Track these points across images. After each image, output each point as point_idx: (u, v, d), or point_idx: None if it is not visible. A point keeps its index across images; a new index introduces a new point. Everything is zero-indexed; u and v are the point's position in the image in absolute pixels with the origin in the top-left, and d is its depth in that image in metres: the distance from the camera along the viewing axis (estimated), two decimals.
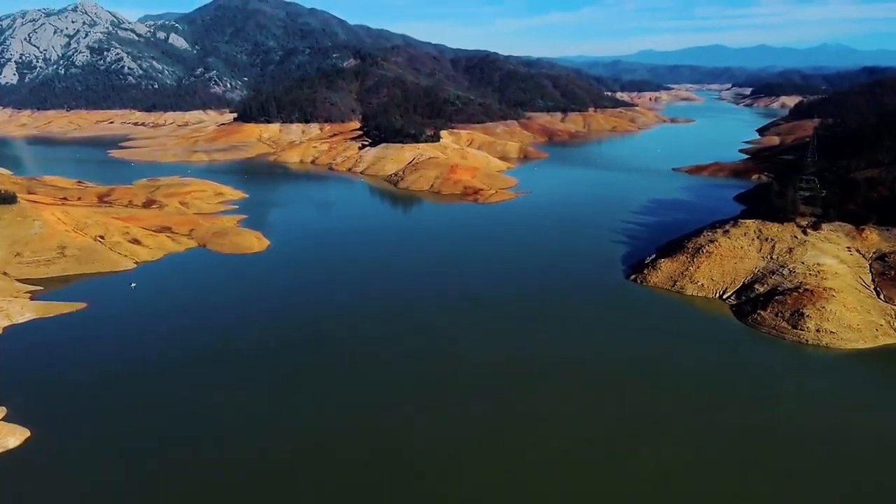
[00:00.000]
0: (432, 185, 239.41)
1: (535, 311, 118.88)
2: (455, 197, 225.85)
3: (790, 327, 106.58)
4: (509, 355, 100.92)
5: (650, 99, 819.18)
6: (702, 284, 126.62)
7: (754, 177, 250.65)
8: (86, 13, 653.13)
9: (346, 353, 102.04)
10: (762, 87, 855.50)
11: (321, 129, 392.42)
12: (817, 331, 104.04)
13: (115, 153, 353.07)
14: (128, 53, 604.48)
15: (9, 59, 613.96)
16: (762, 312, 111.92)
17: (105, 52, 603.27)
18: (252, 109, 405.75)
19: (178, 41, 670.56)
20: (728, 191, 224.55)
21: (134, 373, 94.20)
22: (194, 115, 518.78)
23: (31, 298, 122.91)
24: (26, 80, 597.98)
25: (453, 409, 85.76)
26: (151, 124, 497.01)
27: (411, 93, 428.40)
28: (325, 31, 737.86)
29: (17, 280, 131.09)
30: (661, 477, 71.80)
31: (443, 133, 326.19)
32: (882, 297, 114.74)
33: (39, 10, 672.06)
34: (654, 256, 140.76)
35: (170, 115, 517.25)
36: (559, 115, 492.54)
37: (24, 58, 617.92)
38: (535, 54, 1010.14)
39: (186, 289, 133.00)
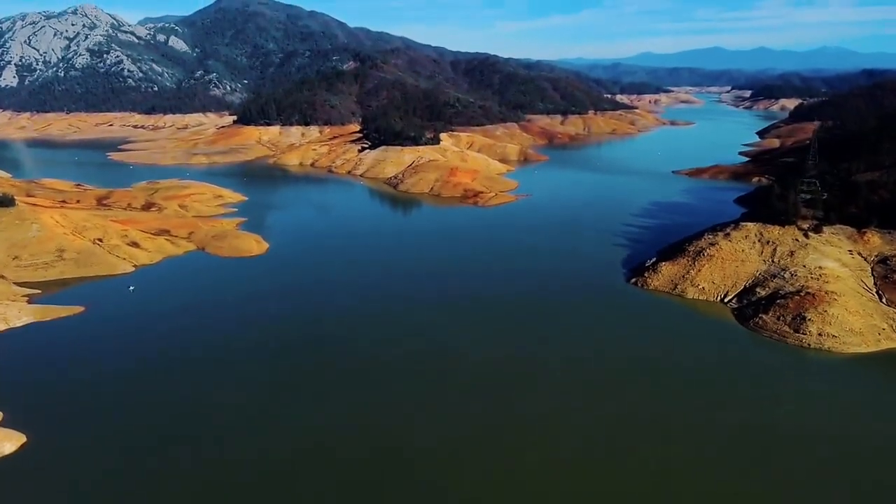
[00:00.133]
0: (432, 188, 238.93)
1: (535, 313, 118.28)
2: (455, 199, 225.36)
3: (792, 331, 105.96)
4: (509, 356, 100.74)
5: (650, 101, 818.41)
6: (703, 288, 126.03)
7: (755, 179, 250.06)
8: (86, 16, 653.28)
9: (346, 353, 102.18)
10: (762, 89, 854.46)
11: (321, 131, 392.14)
12: (819, 335, 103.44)
13: (114, 156, 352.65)
14: (127, 56, 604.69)
15: (9, 62, 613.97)
16: (764, 316, 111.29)
17: (105, 55, 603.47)
18: (252, 112, 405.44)
19: (177, 44, 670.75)
20: (728, 193, 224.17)
21: (132, 376, 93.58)
22: (194, 118, 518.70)
23: (29, 302, 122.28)
24: (26, 82, 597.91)
25: (453, 409, 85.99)
26: (151, 127, 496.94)
27: (411, 95, 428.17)
28: (324, 34, 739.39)
29: (14, 283, 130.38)
30: (661, 476, 71.75)
31: (443, 136, 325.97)
32: (884, 300, 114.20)
33: (39, 12, 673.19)
34: (654, 259, 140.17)
35: (169, 118, 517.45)
36: (559, 117, 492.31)
37: (23, 60, 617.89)
38: (534, 57, 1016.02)
39: (185, 292, 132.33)
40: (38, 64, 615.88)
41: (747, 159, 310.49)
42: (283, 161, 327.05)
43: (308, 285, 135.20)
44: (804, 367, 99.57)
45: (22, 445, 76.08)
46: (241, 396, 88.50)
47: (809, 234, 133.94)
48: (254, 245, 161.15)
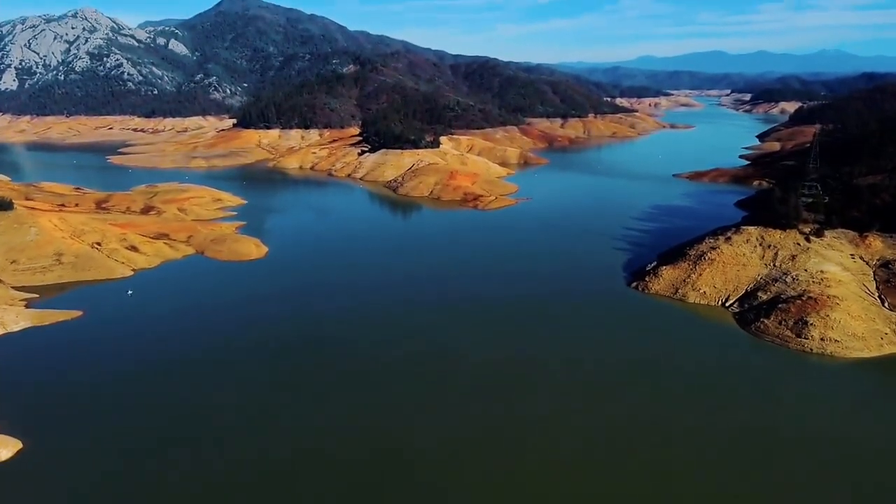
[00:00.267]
0: (432, 192, 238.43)
1: (535, 316, 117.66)
2: (455, 203, 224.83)
3: (794, 336, 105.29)
4: (509, 359, 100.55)
5: (650, 105, 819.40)
6: (704, 292, 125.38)
7: (755, 183, 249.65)
8: (86, 19, 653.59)
9: (346, 355, 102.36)
10: (762, 92, 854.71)
11: (320, 134, 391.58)
12: (821, 339, 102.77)
13: (113, 159, 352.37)
14: (127, 59, 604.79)
15: (9, 65, 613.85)
16: (765, 321, 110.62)
17: (105, 58, 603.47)
18: (251, 115, 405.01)
19: (177, 47, 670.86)
20: (729, 197, 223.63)
21: (130, 380, 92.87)
22: (193, 121, 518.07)
23: (27, 306, 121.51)
24: (26, 85, 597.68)
25: (453, 410, 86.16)
26: (151, 130, 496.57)
27: (411, 99, 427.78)
28: (324, 37, 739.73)
29: (12, 288, 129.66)
30: (662, 478, 71.70)
31: (442, 139, 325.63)
32: (887, 305, 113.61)
33: (39, 16, 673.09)
34: (655, 263, 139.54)
35: (169, 121, 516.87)
36: (559, 120, 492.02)
37: (23, 64, 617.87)
38: (534, 60, 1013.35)
39: (183, 296, 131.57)
40: (38, 67, 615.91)
41: (747, 163, 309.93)
42: (283, 164, 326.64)
43: (307, 288, 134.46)
44: (806, 371, 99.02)
45: (18, 452, 75.26)
46: (241, 399, 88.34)
47: (811, 237, 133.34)
48: (253, 249, 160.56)
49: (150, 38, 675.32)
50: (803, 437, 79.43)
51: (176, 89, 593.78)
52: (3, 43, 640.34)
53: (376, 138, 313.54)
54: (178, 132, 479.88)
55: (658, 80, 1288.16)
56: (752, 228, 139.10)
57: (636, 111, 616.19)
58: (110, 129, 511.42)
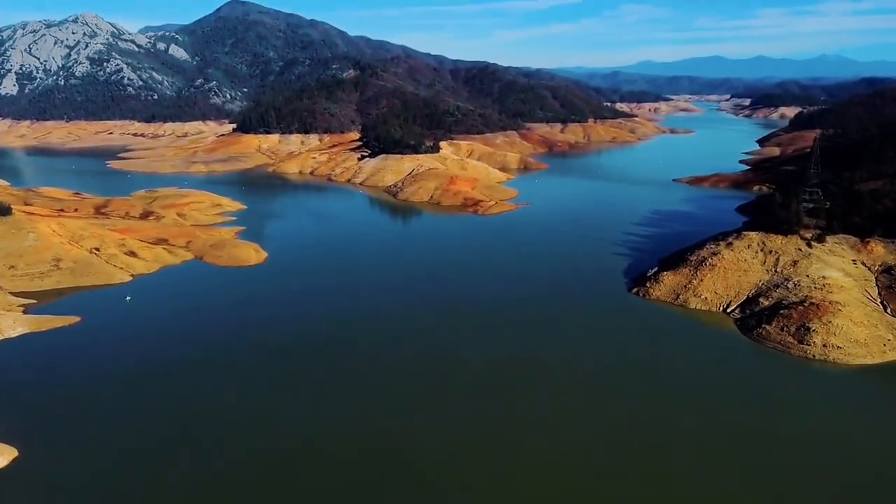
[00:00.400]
0: (432, 197, 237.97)
1: (536, 322, 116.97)
2: (455, 208, 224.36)
3: (796, 342, 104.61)
4: (509, 361, 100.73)
5: (649, 110, 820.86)
6: (705, 298, 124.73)
7: (755, 188, 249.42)
8: (86, 24, 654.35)
9: (346, 356, 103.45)
10: (761, 97, 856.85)
11: (320, 139, 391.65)
12: (824, 346, 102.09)
13: (113, 164, 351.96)
14: (128, 64, 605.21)
15: (9, 70, 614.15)
16: (767, 327, 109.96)
17: (105, 63, 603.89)
18: (251, 120, 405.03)
19: (178, 52, 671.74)
20: (729, 202, 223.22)
21: (127, 388, 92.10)
22: (193, 126, 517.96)
23: (24, 312, 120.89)
24: (26, 90, 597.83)
25: (453, 410, 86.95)
26: (150, 135, 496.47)
27: (411, 103, 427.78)
28: (325, 43, 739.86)
29: (10, 293, 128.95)
30: (661, 479, 71.99)
31: (442, 144, 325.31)
32: (889, 311, 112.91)
33: (40, 21, 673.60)
34: (656, 269, 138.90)
35: (169, 126, 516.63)
36: (559, 125, 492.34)
37: (24, 69, 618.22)
38: (534, 65, 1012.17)
39: (182, 301, 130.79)
40: (38, 72, 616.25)
41: (748, 168, 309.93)
42: (283, 169, 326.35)
43: (307, 293, 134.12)
44: (809, 378, 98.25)
45: (14, 460, 74.43)
46: (241, 403, 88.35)
47: (812, 243, 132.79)
48: (252, 254, 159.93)
49: (150, 43, 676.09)
50: (806, 444, 78.91)
51: (176, 94, 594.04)
52: (3, 48, 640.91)
53: (376, 143, 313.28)
54: (178, 137, 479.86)
55: (658, 85, 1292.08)
56: (753, 234, 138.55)
57: (636, 116, 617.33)
58: (110, 133, 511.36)
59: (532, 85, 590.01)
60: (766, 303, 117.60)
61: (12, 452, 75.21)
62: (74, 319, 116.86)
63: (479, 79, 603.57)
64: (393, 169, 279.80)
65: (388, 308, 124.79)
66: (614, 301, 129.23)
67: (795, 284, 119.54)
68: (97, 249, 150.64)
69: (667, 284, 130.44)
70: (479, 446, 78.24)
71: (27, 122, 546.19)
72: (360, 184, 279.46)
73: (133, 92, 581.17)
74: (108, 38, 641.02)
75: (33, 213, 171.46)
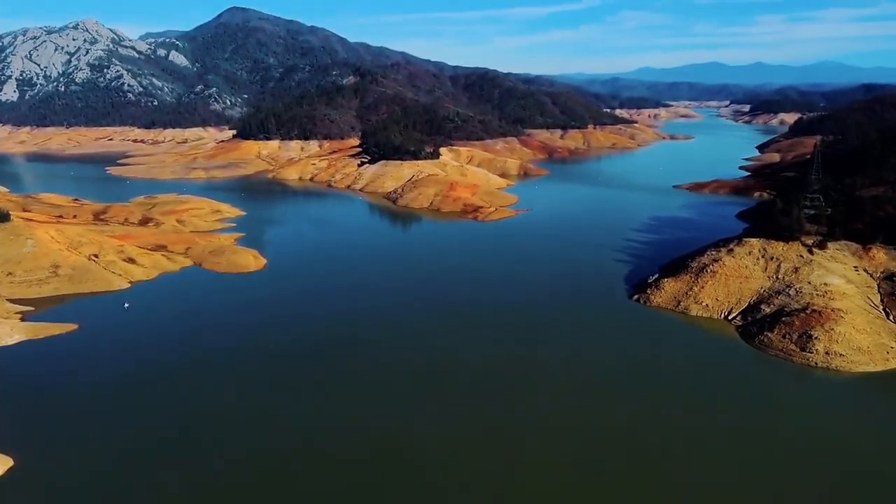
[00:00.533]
0: (432, 203, 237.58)
1: (536, 330, 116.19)
2: (455, 214, 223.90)
3: (798, 350, 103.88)
4: (508, 370, 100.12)
5: (649, 116, 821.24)
6: (706, 305, 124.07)
7: (756, 194, 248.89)
8: (87, 31, 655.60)
9: (346, 357, 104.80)
10: (761, 103, 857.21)
11: (320, 146, 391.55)
12: (826, 353, 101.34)
13: (113, 170, 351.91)
14: (128, 70, 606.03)
15: (9, 77, 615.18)
16: (769, 334, 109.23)
17: (105, 70, 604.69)
18: (251, 126, 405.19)
19: (178, 58, 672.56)
20: (730, 208, 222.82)
21: (124, 394, 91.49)
22: (193, 132, 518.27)
23: (22, 319, 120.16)
24: (26, 96, 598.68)
25: (453, 410, 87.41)
26: (150, 141, 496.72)
27: (411, 110, 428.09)
28: (325, 49, 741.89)
29: (8, 300, 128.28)
30: (661, 481, 72.36)
31: (442, 150, 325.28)
32: (892, 318, 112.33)
33: (41, 27, 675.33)
34: (657, 276, 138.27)
35: (169, 132, 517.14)
36: (559, 132, 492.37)
37: (24, 75, 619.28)
38: (534, 71, 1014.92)
39: (180, 308, 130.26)
40: (38, 78, 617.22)
41: (748, 174, 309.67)
42: (283, 175, 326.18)
43: (306, 300, 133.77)
44: (811, 386, 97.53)
45: (9, 469, 73.62)
46: (241, 404, 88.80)
47: (814, 249, 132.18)
48: (251, 261, 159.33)
49: (150, 49, 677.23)
50: (806, 448, 79.04)
51: (176, 100, 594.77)
52: (4, 54, 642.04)
53: (376, 149, 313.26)
54: (178, 143, 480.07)
55: (657, 92, 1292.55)
56: (754, 240, 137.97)
57: (636, 122, 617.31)
58: (110, 140, 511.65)
59: (532, 91, 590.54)
60: (768, 310, 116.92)
61: (8, 462, 74.38)
62: (72, 327, 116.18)
63: (478, 85, 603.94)
64: (393, 175, 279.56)
65: (388, 310, 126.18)
66: (615, 308, 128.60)
67: (797, 291, 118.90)
68: (96, 256, 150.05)
69: (668, 291, 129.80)
70: (479, 446, 78.86)
71: (27, 129, 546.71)
72: (360, 190, 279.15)
73: (133, 98, 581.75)
74: (108, 45, 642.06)
75: (32, 220, 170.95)
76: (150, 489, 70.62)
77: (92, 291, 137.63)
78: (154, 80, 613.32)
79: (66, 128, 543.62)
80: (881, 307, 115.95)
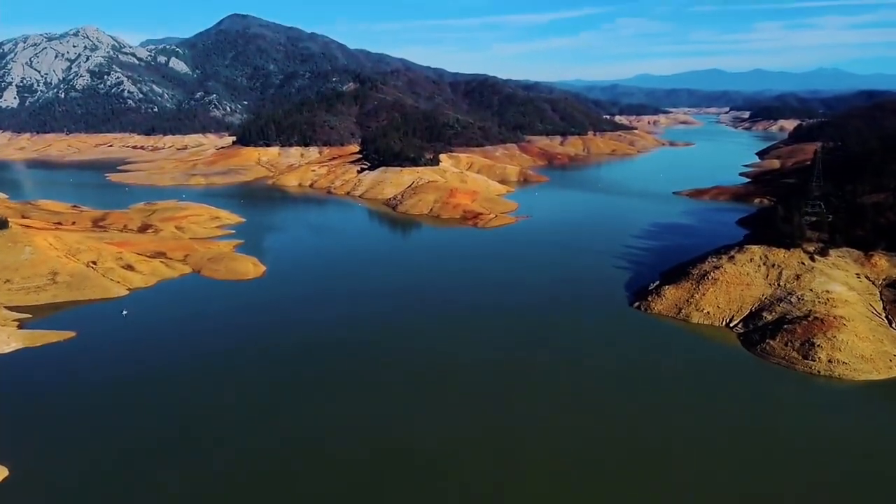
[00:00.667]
0: (431, 209, 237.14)
1: (536, 336, 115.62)
2: (454, 221, 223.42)
3: (801, 357, 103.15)
4: (507, 374, 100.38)
5: (649, 122, 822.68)
6: (708, 312, 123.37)
7: (756, 201, 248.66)
8: (87, 37, 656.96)
9: (346, 358, 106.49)
10: (760, 110, 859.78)
11: (320, 152, 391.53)
12: (829, 361, 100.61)
13: (112, 177, 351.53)
14: (128, 77, 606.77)
15: (10, 83, 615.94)
16: (771, 342, 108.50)
17: (105, 76, 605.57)
18: (251, 133, 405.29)
19: (178, 65, 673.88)
20: (730, 215, 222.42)
21: (121, 403, 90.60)
22: (193, 139, 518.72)
23: (19, 327, 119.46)
24: (27, 103, 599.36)
25: (453, 410, 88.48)
26: (150, 148, 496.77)
27: (410, 116, 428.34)
28: (325, 56, 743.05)
29: (5, 308, 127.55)
30: (661, 484, 72.56)
31: (442, 157, 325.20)
32: (894, 325, 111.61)
33: (41, 34, 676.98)
34: (657, 283, 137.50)
35: (169, 139, 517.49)
36: (558, 138, 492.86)
37: (24, 81, 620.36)
38: (533, 78, 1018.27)
39: (178, 316, 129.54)
40: (38, 85, 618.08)
41: (748, 180, 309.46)
42: (282, 182, 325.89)
43: (306, 305, 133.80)
44: (814, 394, 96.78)
45: (4, 479, 72.79)
46: (241, 409, 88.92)
47: (815, 256, 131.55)
48: (250, 268, 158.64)
49: (150, 56, 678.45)
50: (807, 449, 79.46)
51: (176, 107, 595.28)
52: (4, 61, 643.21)
53: (376, 156, 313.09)
54: (178, 150, 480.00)
55: (657, 98, 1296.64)
56: (755, 247, 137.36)
57: (635, 129, 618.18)
58: (110, 146, 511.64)
59: (531, 98, 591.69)
60: (770, 317, 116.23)
61: (2, 472, 73.52)
62: (70, 334, 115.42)
63: (478, 92, 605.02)
64: (392, 181, 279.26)
65: (388, 314, 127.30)
66: (616, 315, 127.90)
67: (799, 299, 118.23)
68: (94, 263, 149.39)
69: (669, 298, 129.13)
70: (479, 446, 79.63)
71: (27, 135, 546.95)
72: (360, 196, 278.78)
73: (133, 105, 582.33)
74: (108, 52, 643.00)
75: (30, 227, 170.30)
76: (149, 490, 70.80)
77: (90, 299, 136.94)
78: (154, 86, 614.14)
79: (66, 134, 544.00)
80: (884, 315, 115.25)
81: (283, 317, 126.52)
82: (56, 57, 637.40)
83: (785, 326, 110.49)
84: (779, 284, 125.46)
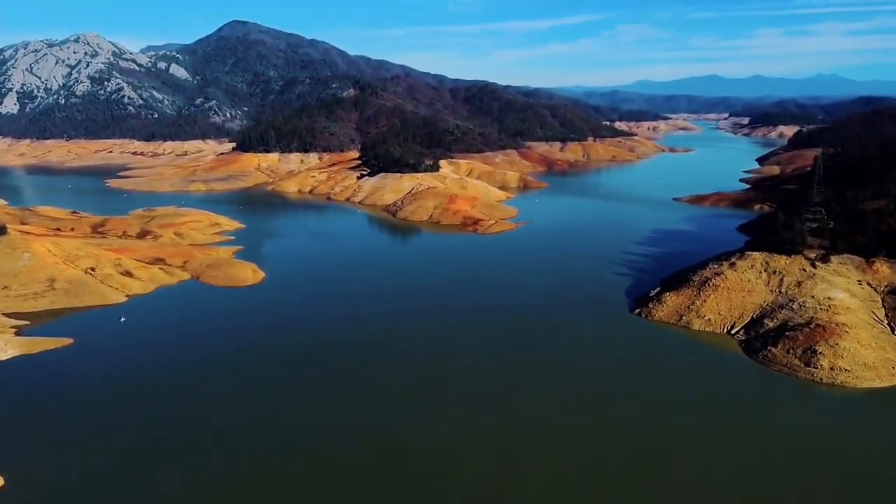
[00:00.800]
0: (431, 215, 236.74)
1: (536, 342, 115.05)
2: (454, 227, 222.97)
3: (803, 365, 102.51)
4: (509, 380, 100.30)
5: (648, 128, 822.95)
6: (709, 319, 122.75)
7: (756, 207, 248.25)
8: (88, 44, 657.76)
9: (346, 358, 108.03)
10: (760, 116, 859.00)
11: (320, 158, 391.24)
12: (831, 369, 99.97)
13: (112, 183, 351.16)
14: (128, 83, 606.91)
15: (10, 89, 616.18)
16: (773, 349, 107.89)
17: (106, 82, 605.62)
18: (251, 139, 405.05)
19: (178, 71, 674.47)
20: (730, 221, 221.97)
21: (117, 412, 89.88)
22: (193, 145, 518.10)
23: (17, 334, 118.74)
24: (27, 109, 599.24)
25: (453, 411, 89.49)
26: (150, 154, 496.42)
27: (410, 122, 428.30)
28: (325, 62, 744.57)
29: (3, 314, 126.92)
30: (661, 486, 72.82)
31: (442, 163, 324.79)
32: None
33: (42, 40, 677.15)
34: (658, 289, 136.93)
35: (168, 145, 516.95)
36: (558, 144, 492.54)
37: (25, 88, 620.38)
38: (533, 84, 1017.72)
39: (176, 322, 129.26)
40: (39, 91, 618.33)
41: (748, 186, 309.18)
42: (282, 188, 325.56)
43: (304, 311, 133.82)
44: (817, 402, 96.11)
45: (1, 488, 71.99)
46: (240, 410, 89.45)
47: (817, 263, 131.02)
48: (249, 274, 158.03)
49: (151, 62, 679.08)
50: (812, 465, 78.13)
51: (176, 113, 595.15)
52: (5, 67, 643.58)
53: (375, 162, 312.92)
54: (178, 156, 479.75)
55: (656, 104, 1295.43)
56: (756, 254, 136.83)
57: (635, 135, 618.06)
58: (110, 152, 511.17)
59: (531, 104, 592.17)
60: (771, 324, 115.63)
61: None
62: (67, 341, 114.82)
63: (478, 98, 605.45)
64: (392, 188, 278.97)
65: (388, 316, 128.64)
66: (616, 322, 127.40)
67: (801, 305, 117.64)
68: (92, 269, 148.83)
69: (669, 305, 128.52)
70: (479, 447, 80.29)
71: (27, 141, 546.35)
72: (360, 202, 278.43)
73: (133, 111, 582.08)
74: (109, 58, 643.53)
75: (28, 233, 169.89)
76: (149, 490, 71.19)
77: (88, 305, 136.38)
78: (154, 92, 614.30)
79: (66, 140, 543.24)
80: (886, 321, 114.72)
81: (282, 320, 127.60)
82: (56, 63, 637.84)
83: (787, 333, 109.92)
84: (780, 291, 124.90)
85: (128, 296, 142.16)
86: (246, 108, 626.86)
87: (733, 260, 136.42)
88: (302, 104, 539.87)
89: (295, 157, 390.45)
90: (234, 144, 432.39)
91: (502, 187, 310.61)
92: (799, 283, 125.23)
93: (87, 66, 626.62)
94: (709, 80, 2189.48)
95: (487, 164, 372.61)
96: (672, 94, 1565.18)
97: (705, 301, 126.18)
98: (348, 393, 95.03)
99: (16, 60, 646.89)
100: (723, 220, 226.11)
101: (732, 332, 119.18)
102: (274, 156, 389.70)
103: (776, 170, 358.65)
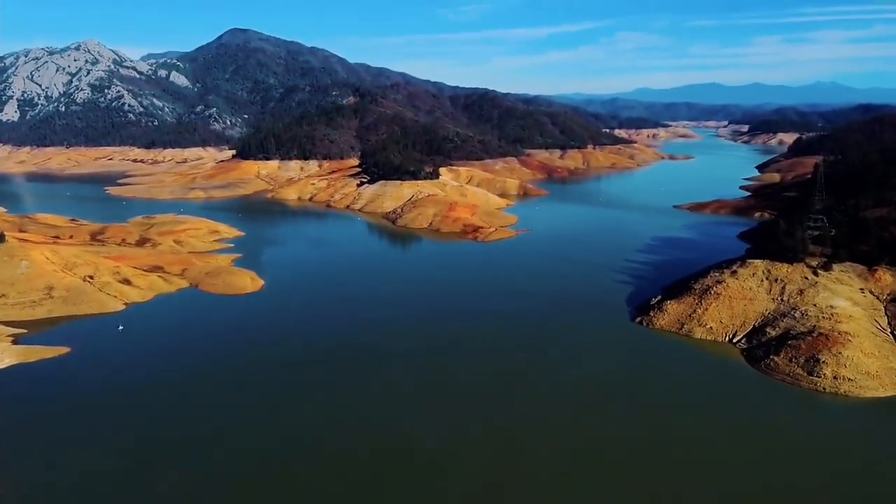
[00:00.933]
0: (431, 223, 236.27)
1: (536, 348, 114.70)
2: (454, 234, 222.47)
3: (806, 374, 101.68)
4: (509, 382, 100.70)
5: (648, 136, 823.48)
6: (710, 327, 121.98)
7: (757, 214, 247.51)
8: (88, 52, 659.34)
9: (345, 359, 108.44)
10: (759, 123, 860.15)
11: (320, 165, 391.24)
12: (834, 378, 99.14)
13: (112, 190, 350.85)
14: (128, 91, 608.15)
15: (11, 97, 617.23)
16: (775, 358, 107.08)
17: (106, 90, 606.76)
18: (251, 146, 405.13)
19: (179, 79, 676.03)
20: (731, 228, 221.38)
21: (113, 421, 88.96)
22: (193, 152, 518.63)
23: (14, 342, 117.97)
24: (27, 116, 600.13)
25: (452, 411, 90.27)
26: (150, 161, 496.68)
27: (410, 130, 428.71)
28: (325, 69, 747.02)
29: (1, 323, 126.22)
30: (660, 488, 72.86)
31: (442, 170, 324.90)
32: None
33: (43, 48, 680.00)
34: (659, 298, 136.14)
35: (168, 152, 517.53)
36: (558, 152, 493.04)
37: (25, 95, 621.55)
38: (532, 91, 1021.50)
39: (174, 330, 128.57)
40: (39, 98, 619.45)
41: (748, 194, 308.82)
42: (282, 195, 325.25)
43: (304, 315, 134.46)
44: (820, 411, 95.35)
45: None
46: (240, 410, 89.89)
47: (819, 271, 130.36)
48: (248, 282, 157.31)
49: (151, 70, 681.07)
50: (815, 473, 77.64)
51: (176, 120, 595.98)
52: (6, 75, 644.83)
53: (375, 169, 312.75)
54: (178, 163, 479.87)
55: (656, 112, 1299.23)
56: (757, 262, 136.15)
57: (635, 142, 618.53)
58: (110, 159, 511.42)
59: (531, 111, 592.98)
60: (773, 333, 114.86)
61: None
62: (64, 350, 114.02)
63: (478, 105, 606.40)
64: (392, 195, 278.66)
65: (388, 321, 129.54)
66: (617, 330, 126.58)
67: (803, 314, 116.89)
68: (91, 277, 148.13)
69: (671, 314, 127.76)
70: (479, 447, 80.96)
71: (27, 149, 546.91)
72: (360, 210, 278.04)
73: (133, 118, 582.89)
74: (109, 65, 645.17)
75: (27, 241, 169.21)
76: (149, 490, 71.53)
77: (86, 313, 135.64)
78: (154, 100, 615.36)
79: (66, 148, 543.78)
80: (888, 330, 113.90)
81: (282, 324, 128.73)
82: (57, 71, 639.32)
83: (789, 342, 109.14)
84: (782, 299, 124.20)
85: (126, 304, 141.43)
86: (246, 116, 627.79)
87: (735, 268, 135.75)
88: (302, 112, 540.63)
89: (295, 165, 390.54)
90: (233, 152, 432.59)
91: (502, 195, 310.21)
92: (801, 292, 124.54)
93: (88, 73, 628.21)
94: (708, 87, 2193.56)
95: (487, 171, 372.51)
96: (671, 102, 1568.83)
97: (707, 309, 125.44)
98: (348, 393, 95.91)
99: (16, 68, 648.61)
100: (723, 228, 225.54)
101: (734, 340, 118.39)
102: (274, 163, 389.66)
103: (776, 177, 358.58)
